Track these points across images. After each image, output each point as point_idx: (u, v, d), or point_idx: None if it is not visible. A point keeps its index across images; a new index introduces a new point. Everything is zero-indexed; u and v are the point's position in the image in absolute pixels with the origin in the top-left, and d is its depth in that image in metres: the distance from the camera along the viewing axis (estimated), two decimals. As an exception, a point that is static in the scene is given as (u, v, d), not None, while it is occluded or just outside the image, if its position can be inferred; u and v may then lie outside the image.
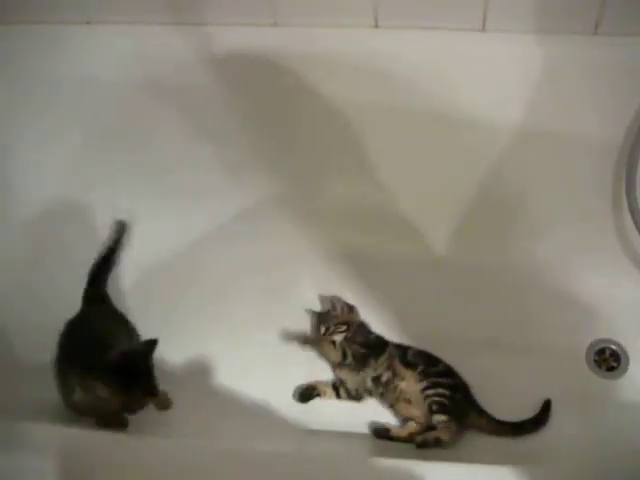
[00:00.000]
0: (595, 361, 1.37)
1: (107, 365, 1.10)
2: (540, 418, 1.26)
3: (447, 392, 1.25)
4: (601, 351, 1.38)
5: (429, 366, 1.29)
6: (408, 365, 1.29)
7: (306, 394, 1.33)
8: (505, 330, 1.40)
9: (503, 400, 1.28)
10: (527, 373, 1.33)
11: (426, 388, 1.26)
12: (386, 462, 1.00)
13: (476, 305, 1.44)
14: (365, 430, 1.29)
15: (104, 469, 0.98)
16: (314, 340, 1.39)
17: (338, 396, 1.33)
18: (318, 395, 1.33)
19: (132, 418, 1.19)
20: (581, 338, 1.39)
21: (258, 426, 1.30)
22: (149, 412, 1.21)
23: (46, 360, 1.22)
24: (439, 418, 1.22)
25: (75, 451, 1.00)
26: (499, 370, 1.32)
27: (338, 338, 1.35)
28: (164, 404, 1.26)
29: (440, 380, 1.27)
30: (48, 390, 1.20)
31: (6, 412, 1.14)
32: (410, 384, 1.27)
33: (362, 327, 1.39)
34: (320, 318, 1.41)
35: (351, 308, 1.41)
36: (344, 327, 1.36)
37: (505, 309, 1.43)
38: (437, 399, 1.24)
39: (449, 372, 1.30)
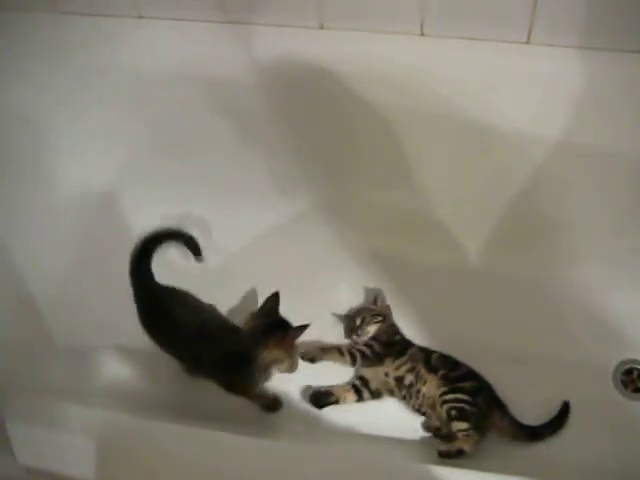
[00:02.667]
0: (622, 381, 1.36)
1: (257, 327, 1.23)
2: (558, 421, 1.26)
3: (467, 397, 1.25)
4: (629, 371, 1.37)
5: (450, 370, 1.30)
6: (431, 369, 1.31)
7: (321, 400, 1.33)
8: (532, 343, 1.39)
9: (526, 412, 1.28)
10: (552, 387, 1.32)
11: (444, 393, 1.26)
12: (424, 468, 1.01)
13: (505, 316, 1.44)
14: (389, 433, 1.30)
15: (138, 452, 1.03)
16: (318, 353, 1.38)
17: (360, 398, 1.33)
18: (336, 402, 1.33)
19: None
20: (609, 356, 1.38)
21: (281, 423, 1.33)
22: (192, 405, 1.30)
23: (82, 344, 1.27)
24: (459, 426, 1.23)
25: (112, 434, 1.04)
26: (524, 382, 1.32)
27: (373, 328, 1.38)
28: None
29: (460, 385, 1.27)
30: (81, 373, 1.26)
31: (46, 392, 1.18)
32: (431, 389, 1.28)
33: (393, 327, 1.41)
34: (355, 312, 1.43)
35: (388, 306, 1.44)
36: (380, 318, 1.40)
37: (534, 322, 1.42)
38: (457, 405, 1.24)
39: (470, 375, 1.30)
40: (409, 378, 1.31)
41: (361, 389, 1.33)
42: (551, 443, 1.25)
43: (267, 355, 1.22)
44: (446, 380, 1.28)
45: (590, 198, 1.42)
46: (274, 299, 1.26)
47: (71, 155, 1.52)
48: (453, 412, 1.24)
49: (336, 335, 1.44)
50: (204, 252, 1.45)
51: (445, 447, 1.22)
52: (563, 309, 1.45)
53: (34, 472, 1.02)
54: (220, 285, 1.48)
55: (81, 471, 1.01)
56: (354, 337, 1.40)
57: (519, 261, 1.50)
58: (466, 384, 1.27)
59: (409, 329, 1.43)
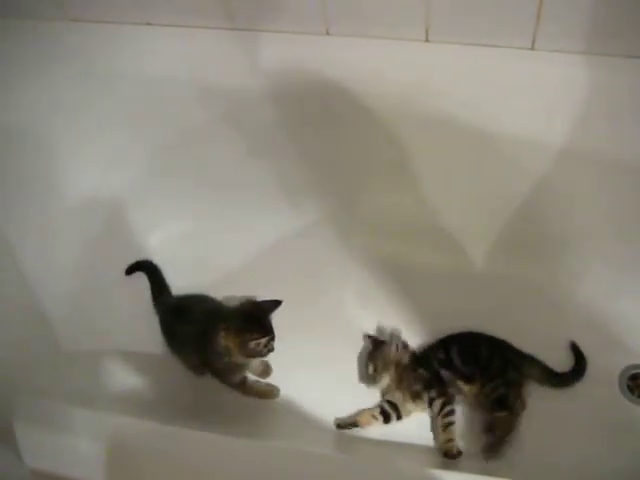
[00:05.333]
0: (628, 386, 1.35)
1: (235, 311, 1.26)
2: (580, 364, 1.33)
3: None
4: (635, 377, 1.36)
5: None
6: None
7: (345, 427, 1.32)
8: (537, 349, 1.38)
9: (532, 420, 1.28)
10: (557, 395, 1.33)
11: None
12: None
13: (509, 322, 1.43)
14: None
15: (144, 456, 1.03)
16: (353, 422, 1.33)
17: (387, 421, 1.31)
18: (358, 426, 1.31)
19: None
20: (615, 362, 1.38)
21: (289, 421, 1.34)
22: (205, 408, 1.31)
23: (89, 349, 1.28)
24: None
25: (118, 437, 1.05)
26: (529, 390, 1.32)
27: (386, 378, 1.33)
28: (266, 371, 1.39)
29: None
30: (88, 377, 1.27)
31: (53, 396, 1.20)
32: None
33: (410, 373, 1.34)
34: (368, 358, 1.37)
35: (405, 346, 1.37)
36: (392, 367, 1.33)
37: (539, 328, 1.42)
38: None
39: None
40: (448, 407, 1.30)
41: (390, 414, 1.31)
42: (557, 447, 1.26)
43: (223, 338, 1.23)
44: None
45: (595, 205, 1.42)
46: (273, 303, 1.26)
47: (76, 162, 1.53)
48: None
49: (336, 342, 1.44)
50: (211, 259, 1.48)
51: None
52: (568, 315, 1.45)
53: (40, 475, 1.02)
54: (228, 290, 1.49)
55: (87, 474, 1.01)
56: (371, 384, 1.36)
57: (524, 267, 1.50)
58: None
59: (414, 334, 1.43)
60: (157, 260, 1.46)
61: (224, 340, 1.23)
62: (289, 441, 1.26)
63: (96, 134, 1.54)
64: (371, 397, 1.36)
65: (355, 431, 1.31)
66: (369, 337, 1.42)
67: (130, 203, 1.61)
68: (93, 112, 1.52)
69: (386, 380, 1.33)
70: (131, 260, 1.44)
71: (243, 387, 1.34)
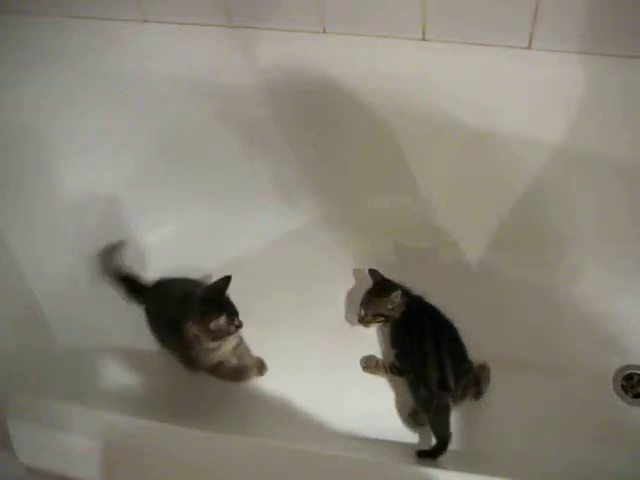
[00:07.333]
0: (622, 386, 1.36)
1: (193, 301, 1.25)
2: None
3: None
4: (629, 377, 1.37)
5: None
6: None
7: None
8: (533, 349, 1.39)
9: (527, 420, 1.29)
10: (552, 393, 1.33)
11: None
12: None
13: (506, 321, 1.44)
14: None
15: (139, 453, 1.03)
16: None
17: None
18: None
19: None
20: (609, 362, 1.38)
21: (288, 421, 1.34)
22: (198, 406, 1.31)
23: (84, 346, 1.29)
24: None
25: (113, 435, 1.05)
26: (524, 389, 1.33)
27: (375, 326, 1.38)
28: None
29: None
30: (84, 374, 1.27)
31: (48, 394, 1.19)
32: None
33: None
34: (365, 301, 1.38)
35: (407, 293, 1.38)
36: (382, 318, 1.37)
37: (534, 327, 1.42)
38: None
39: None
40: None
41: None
42: (552, 447, 1.26)
43: (190, 328, 1.23)
44: None
45: (591, 204, 1.42)
46: (224, 281, 1.26)
47: (74, 160, 1.52)
48: None
49: (335, 341, 1.44)
50: (209, 259, 1.47)
51: None
52: (563, 315, 1.45)
53: (35, 471, 1.03)
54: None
55: (83, 472, 1.01)
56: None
57: (520, 267, 1.50)
58: None
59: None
60: (152, 259, 1.46)
61: (191, 331, 1.23)
62: (287, 440, 1.26)
63: (93, 132, 1.53)
64: (372, 397, 1.37)
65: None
66: (372, 272, 1.42)
67: (127, 202, 1.61)
68: (88, 110, 1.52)
69: (374, 326, 1.37)
70: (128, 258, 1.44)
71: (217, 370, 1.33)
